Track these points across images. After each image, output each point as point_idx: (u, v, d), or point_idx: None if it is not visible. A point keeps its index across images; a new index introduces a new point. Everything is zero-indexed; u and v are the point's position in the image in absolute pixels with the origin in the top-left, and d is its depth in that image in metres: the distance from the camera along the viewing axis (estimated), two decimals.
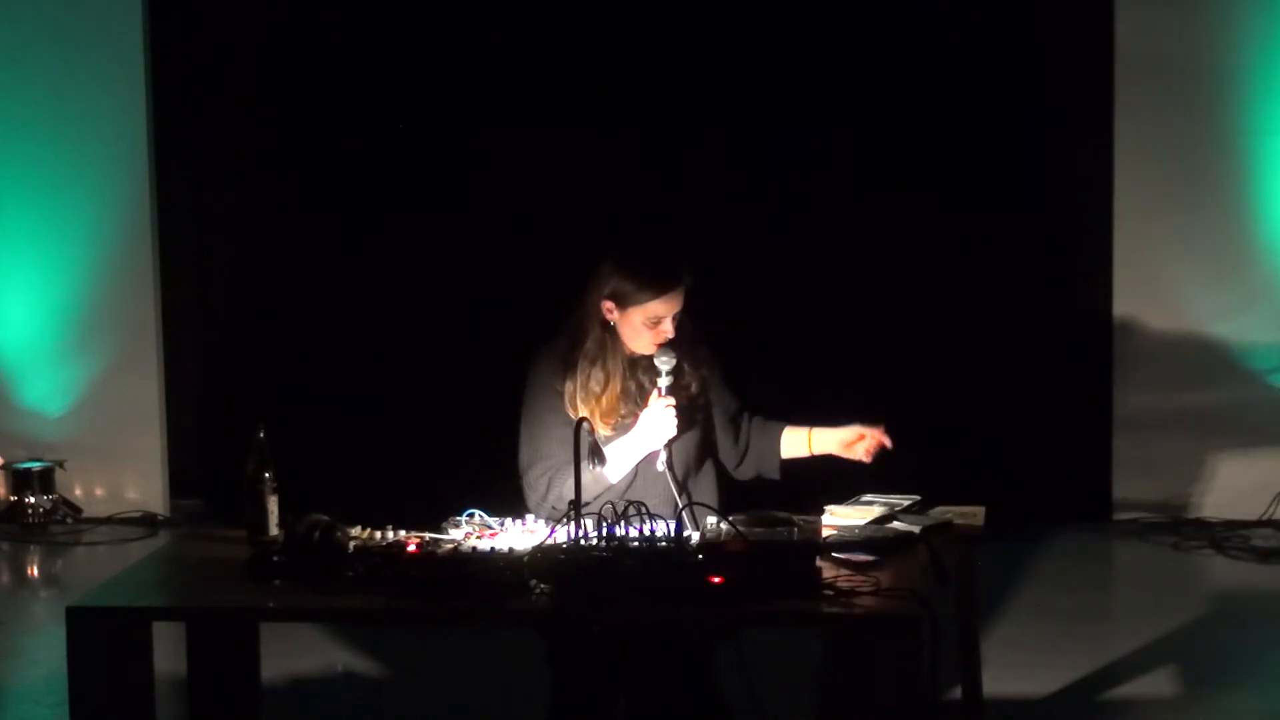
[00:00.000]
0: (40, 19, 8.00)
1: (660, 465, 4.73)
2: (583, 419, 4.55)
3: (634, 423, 4.73)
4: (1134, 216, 7.76)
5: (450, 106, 8.02)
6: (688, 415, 4.78)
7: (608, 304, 4.75)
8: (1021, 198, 7.86)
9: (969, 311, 7.91)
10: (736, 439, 4.93)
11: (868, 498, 4.80)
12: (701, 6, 7.93)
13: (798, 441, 4.92)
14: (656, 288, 4.71)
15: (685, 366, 4.80)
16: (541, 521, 4.58)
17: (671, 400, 4.71)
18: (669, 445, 4.73)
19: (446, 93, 8.01)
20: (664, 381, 4.72)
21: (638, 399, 4.76)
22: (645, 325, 4.73)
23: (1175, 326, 7.78)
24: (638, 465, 4.74)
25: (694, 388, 4.82)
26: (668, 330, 4.73)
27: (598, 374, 4.75)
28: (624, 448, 4.71)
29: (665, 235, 5.05)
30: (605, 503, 4.41)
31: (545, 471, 4.75)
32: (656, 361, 4.72)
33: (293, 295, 8.18)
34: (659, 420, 4.70)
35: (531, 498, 4.78)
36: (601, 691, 4.68)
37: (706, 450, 4.87)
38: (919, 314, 7.93)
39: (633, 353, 4.77)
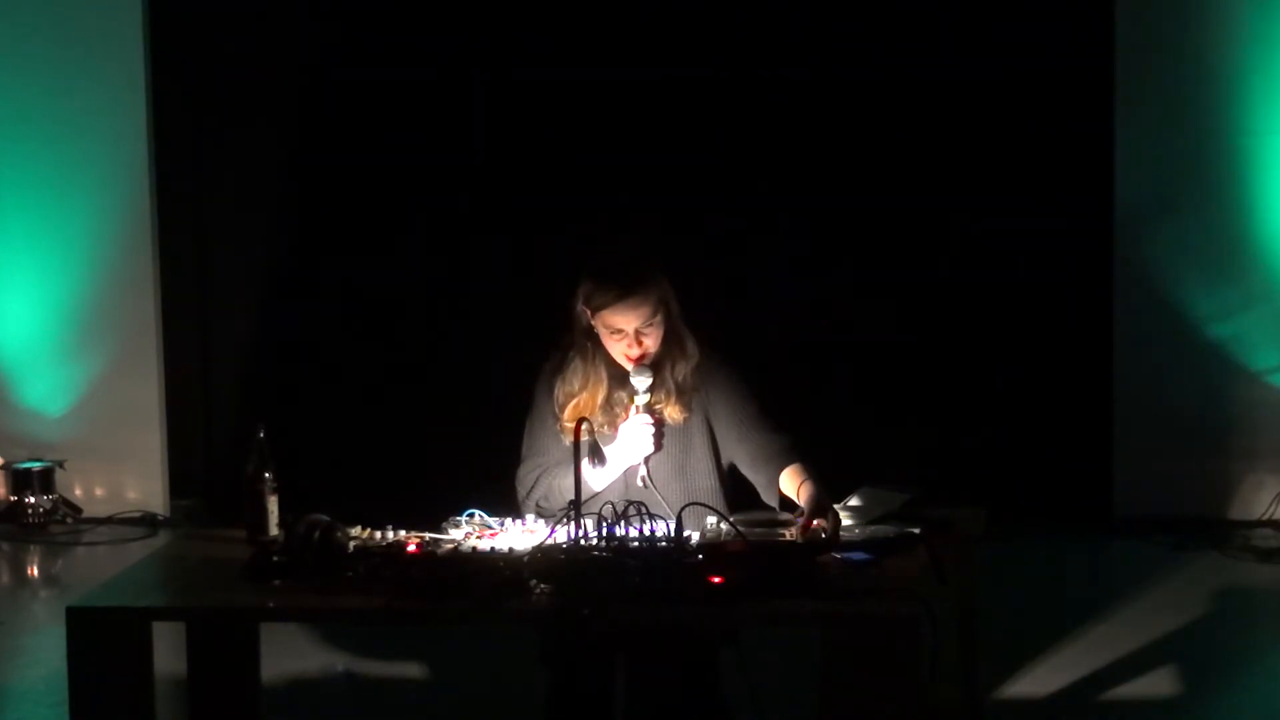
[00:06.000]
0: (40, 19, 8.00)
1: (639, 481, 4.70)
2: (583, 419, 4.53)
3: (612, 433, 4.71)
4: (1134, 216, 7.75)
5: (448, 103, 8.02)
6: (668, 436, 4.72)
7: (582, 305, 4.72)
8: (1021, 197, 7.85)
9: (969, 310, 7.91)
10: (773, 479, 4.75)
11: (865, 488, 4.77)
12: (703, 7, 7.96)
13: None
14: (611, 294, 4.63)
15: (672, 389, 4.73)
16: (541, 521, 4.57)
17: (649, 418, 4.68)
18: (647, 461, 4.71)
19: (446, 89, 8.01)
20: (640, 399, 4.68)
21: (616, 411, 4.72)
22: (609, 335, 4.69)
23: (1175, 327, 7.77)
24: (624, 476, 4.72)
25: (677, 413, 4.74)
26: (632, 344, 4.66)
27: (578, 376, 4.73)
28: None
29: (645, 240, 4.94)
30: (592, 511, 4.36)
31: (535, 468, 4.75)
32: (633, 379, 4.68)
33: (293, 295, 8.18)
34: (636, 436, 4.68)
35: (520, 491, 4.78)
36: (597, 692, 4.67)
37: (699, 475, 4.78)
38: (918, 314, 7.93)
39: (615, 362, 4.72)
